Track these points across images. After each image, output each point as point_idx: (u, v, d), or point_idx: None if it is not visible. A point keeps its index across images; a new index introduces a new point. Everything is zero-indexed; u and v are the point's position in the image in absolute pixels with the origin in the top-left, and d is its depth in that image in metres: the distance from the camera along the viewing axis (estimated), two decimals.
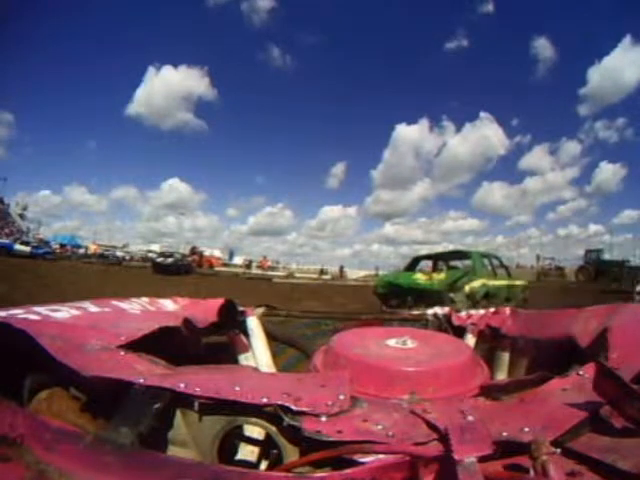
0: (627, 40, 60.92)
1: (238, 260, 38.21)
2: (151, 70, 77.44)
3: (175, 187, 70.61)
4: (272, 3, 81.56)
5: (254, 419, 0.54)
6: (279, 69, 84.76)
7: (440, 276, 6.74)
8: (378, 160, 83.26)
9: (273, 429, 0.53)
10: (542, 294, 9.82)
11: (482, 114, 73.07)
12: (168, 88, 75.57)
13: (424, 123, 78.17)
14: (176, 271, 18.16)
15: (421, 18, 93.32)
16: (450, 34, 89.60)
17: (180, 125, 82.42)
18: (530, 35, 77.60)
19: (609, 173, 60.50)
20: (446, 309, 1.53)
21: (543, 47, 72.78)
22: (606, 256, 22.53)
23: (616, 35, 65.37)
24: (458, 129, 79.43)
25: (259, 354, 1.28)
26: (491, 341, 1.21)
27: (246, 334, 1.30)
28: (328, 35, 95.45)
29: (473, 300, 6.14)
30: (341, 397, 0.51)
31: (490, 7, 78.98)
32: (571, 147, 67.87)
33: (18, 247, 23.31)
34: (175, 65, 78.68)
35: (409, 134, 76.79)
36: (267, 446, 0.70)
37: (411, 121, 79.98)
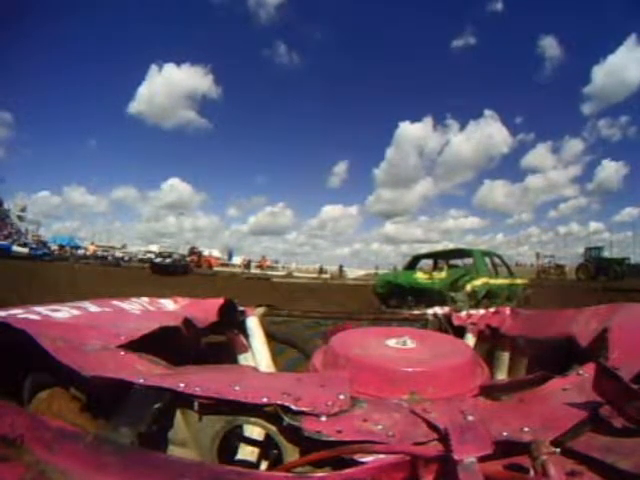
0: (632, 39, 60.83)
1: (237, 260, 38.18)
2: (153, 68, 77.13)
3: (175, 187, 70.40)
4: None
5: (254, 419, 0.54)
6: (284, 66, 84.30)
7: (441, 275, 6.73)
8: (381, 159, 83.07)
9: (273, 429, 0.53)
10: (543, 293, 9.81)
11: (486, 112, 72.84)
12: (171, 86, 75.31)
13: (428, 121, 77.76)
14: (174, 271, 18.21)
15: (428, 16, 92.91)
16: (457, 32, 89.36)
17: (182, 124, 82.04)
18: (536, 33, 77.16)
19: (611, 171, 60.42)
20: (446, 309, 1.53)
21: (549, 45, 72.54)
22: (606, 254, 22.56)
23: (621, 34, 65.34)
24: (462, 127, 79.13)
25: (259, 354, 1.28)
26: (491, 341, 1.22)
27: (246, 334, 1.30)
28: (333, 32, 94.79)
29: (475, 299, 6.13)
30: (341, 397, 0.51)
31: (499, 5, 78.55)
32: (574, 145, 67.75)
33: (16, 249, 23.37)
34: (178, 63, 78.38)
35: (413, 132, 76.39)
36: (267, 446, 0.70)
37: (415, 119, 79.58)
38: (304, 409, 0.48)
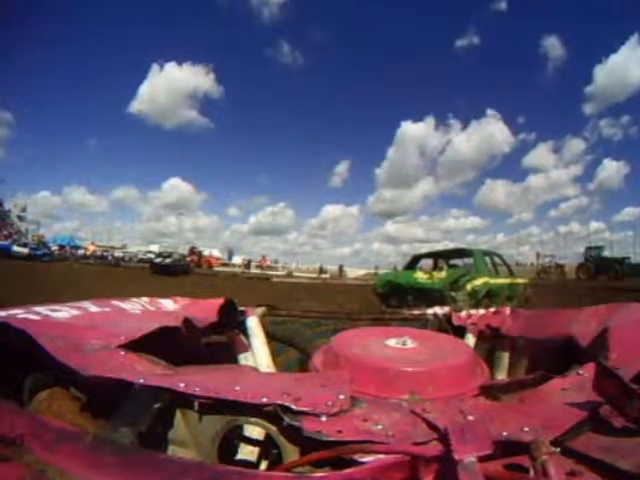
0: (634, 39, 60.46)
1: (237, 260, 38.18)
2: (155, 67, 76.74)
3: (176, 187, 70.08)
4: None
5: (254, 419, 0.54)
6: (286, 66, 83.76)
7: (441, 275, 6.71)
8: (382, 158, 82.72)
9: (273, 429, 0.53)
10: (543, 292, 9.80)
11: (488, 111, 72.43)
12: (172, 85, 74.84)
13: (430, 121, 77.32)
14: (174, 271, 18.23)
15: (432, 16, 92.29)
16: (460, 31, 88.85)
17: (184, 123, 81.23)
18: (538, 33, 76.67)
19: (612, 170, 60.18)
20: (446, 309, 1.53)
21: (551, 45, 72.12)
22: (606, 253, 22.56)
23: (623, 34, 65.06)
24: (464, 127, 78.65)
25: (259, 354, 1.28)
26: (491, 341, 1.21)
27: (246, 334, 1.30)
28: (336, 31, 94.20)
29: (475, 299, 6.13)
30: (341, 397, 0.51)
31: (502, 5, 77.91)
32: (575, 145, 67.38)
33: (16, 249, 23.32)
34: (179, 62, 77.94)
35: (414, 132, 75.84)
36: (267, 446, 0.70)
37: (417, 119, 79.16)
38: (304, 409, 0.47)
